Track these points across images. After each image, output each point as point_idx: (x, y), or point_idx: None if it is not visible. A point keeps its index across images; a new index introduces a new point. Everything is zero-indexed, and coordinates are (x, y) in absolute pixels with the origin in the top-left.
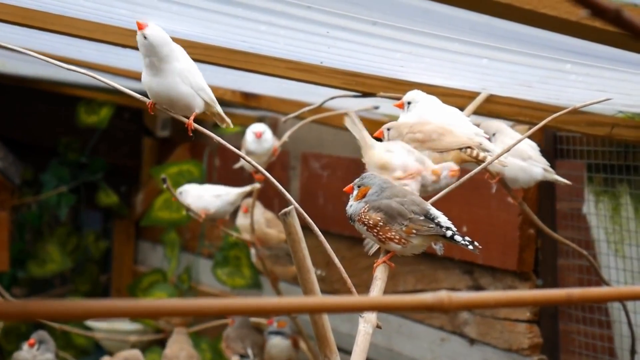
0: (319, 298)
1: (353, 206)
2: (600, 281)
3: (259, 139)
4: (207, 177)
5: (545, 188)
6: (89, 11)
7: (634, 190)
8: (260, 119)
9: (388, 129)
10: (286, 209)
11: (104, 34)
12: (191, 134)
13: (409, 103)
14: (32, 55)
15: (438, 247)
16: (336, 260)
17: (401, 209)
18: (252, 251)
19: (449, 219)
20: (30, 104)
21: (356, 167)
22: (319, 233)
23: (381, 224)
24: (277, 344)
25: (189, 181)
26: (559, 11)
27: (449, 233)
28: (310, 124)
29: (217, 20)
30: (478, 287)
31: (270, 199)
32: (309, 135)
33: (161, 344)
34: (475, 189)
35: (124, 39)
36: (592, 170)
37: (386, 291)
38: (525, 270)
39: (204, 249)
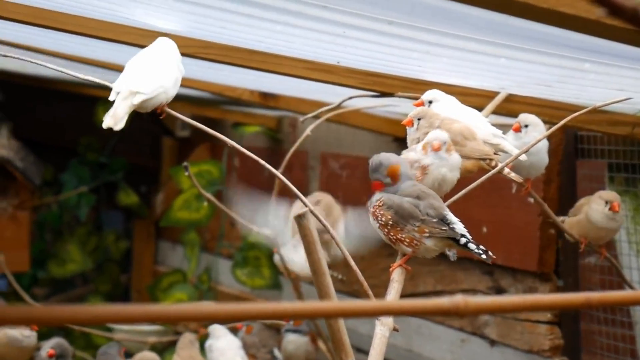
0: (333, 303)
1: (376, 194)
2: (622, 282)
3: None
4: (227, 177)
5: (566, 188)
6: (103, 11)
7: None
8: (279, 119)
9: (419, 119)
10: (301, 212)
11: (117, 34)
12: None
13: (430, 102)
14: (39, 64)
15: (451, 254)
16: (352, 263)
17: (413, 210)
18: (276, 256)
19: (465, 227)
20: (50, 105)
21: None
22: (334, 234)
23: (391, 223)
24: (294, 340)
25: (209, 181)
26: (577, 9)
27: (463, 240)
28: (329, 124)
29: (233, 21)
30: (498, 288)
31: (291, 199)
32: (328, 135)
33: None
34: (495, 190)
35: (138, 38)
36: (614, 169)
37: (405, 292)
38: (546, 271)
39: (223, 249)
